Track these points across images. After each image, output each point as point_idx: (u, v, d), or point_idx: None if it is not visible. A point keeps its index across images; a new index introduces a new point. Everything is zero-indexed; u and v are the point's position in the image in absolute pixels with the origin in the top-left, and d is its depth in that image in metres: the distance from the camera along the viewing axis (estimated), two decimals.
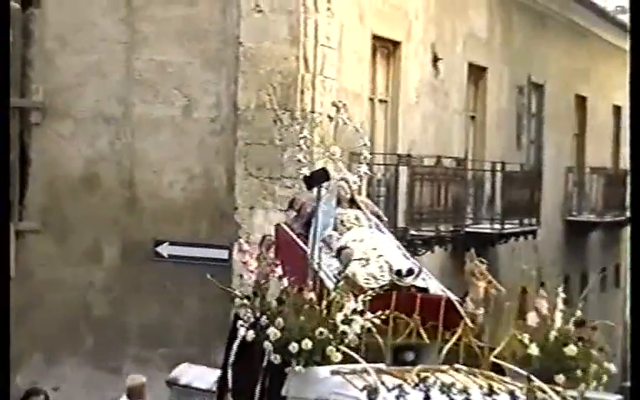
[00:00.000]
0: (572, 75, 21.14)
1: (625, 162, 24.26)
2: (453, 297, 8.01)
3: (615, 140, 24.38)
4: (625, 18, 24.20)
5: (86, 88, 12.71)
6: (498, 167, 16.65)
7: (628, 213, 22.85)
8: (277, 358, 7.26)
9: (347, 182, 8.94)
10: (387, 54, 14.45)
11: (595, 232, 22.25)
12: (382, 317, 7.47)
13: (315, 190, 8.02)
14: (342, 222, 8.61)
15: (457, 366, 7.48)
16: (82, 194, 12.77)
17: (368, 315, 7.38)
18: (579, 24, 21.19)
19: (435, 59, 15.42)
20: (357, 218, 8.67)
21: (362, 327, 7.33)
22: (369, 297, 7.47)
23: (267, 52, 12.23)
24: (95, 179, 12.78)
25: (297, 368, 7.20)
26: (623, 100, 24.40)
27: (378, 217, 8.94)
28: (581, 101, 22.08)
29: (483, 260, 8.14)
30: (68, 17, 12.71)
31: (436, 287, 8.14)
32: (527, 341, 7.50)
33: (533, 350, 7.46)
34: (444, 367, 7.42)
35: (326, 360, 7.20)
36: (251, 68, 12.29)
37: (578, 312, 7.63)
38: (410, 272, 7.98)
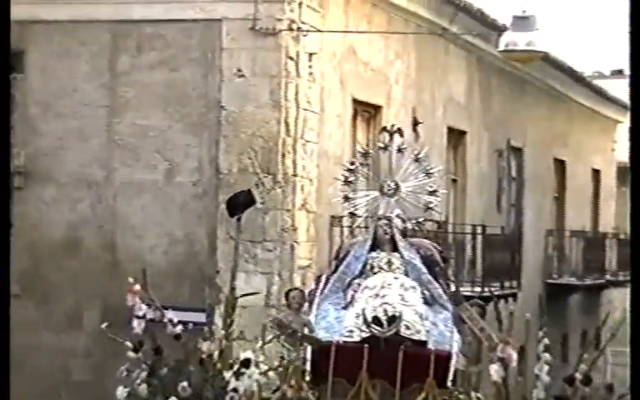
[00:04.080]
0: (550, 139, 21.33)
1: (604, 226, 24.45)
2: (455, 353, 7.40)
3: (594, 203, 24.55)
4: (603, 83, 24.53)
5: (68, 152, 12.76)
6: (479, 230, 16.72)
7: (608, 276, 22.99)
8: None
9: (389, 221, 8.28)
10: (367, 118, 14.56)
11: (575, 295, 22.32)
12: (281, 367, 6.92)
13: (237, 219, 7.74)
14: (371, 267, 8.17)
15: None
16: (63, 258, 12.76)
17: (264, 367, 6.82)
18: (557, 89, 21.42)
19: (415, 123, 15.55)
20: (389, 262, 8.20)
21: (258, 381, 6.81)
22: (268, 344, 6.99)
23: (249, 115, 12.32)
24: (76, 243, 12.78)
25: None
26: (601, 164, 24.65)
27: (431, 261, 8.31)
28: (560, 164, 22.25)
29: (479, 303, 7.80)
30: (51, 83, 12.78)
31: (444, 340, 7.52)
32: None
33: None
34: None
35: None
36: (232, 132, 12.37)
37: (582, 367, 6.72)
38: (392, 320, 7.47)
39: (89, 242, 12.73)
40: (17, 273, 12.77)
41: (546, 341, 6.87)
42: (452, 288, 8.36)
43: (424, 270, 8.13)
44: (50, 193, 12.79)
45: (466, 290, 16.44)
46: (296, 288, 8.24)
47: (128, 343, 7.14)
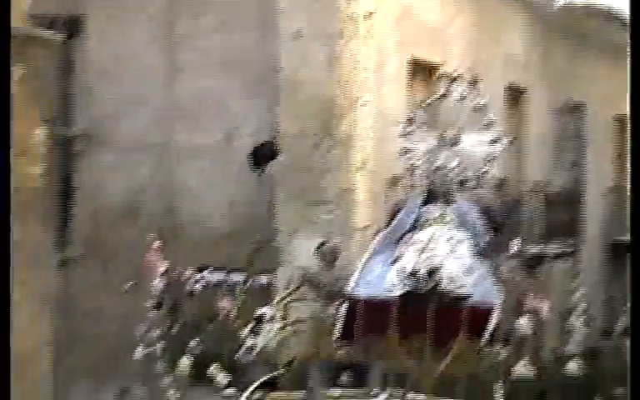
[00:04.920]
0: (612, 95, 21.03)
1: None
2: (496, 308, 7.00)
3: None
4: None
5: (127, 118, 12.82)
6: (539, 188, 16.59)
7: None
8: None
9: (445, 172, 7.97)
10: (425, 77, 14.45)
11: None
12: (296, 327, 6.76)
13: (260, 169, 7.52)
14: (424, 220, 7.88)
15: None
16: (123, 223, 12.85)
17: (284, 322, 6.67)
18: (619, 43, 21.08)
19: (474, 81, 15.38)
20: (441, 215, 7.91)
21: (275, 338, 6.63)
22: (287, 301, 6.80)
23: (307, 77, 12.28)
24: (136, 208, 12.86)
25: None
26: None
27: (489, 213, 7.97)
28: (621, 121, 21.95)
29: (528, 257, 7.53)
30: (110, 47, 12.83)
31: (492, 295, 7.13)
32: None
33: (521, 369, 6.45)
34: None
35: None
36: (290, 94, 12.34)
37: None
38: (431, 273, 7.20)
39: (149, 207, 12.81)
40: (80, 239, 12.92)
41: (582, 290, 6.80)
42: (511, 243, 8.08)
43: (479, 223, 7.86)
44: (109, 158, 12.87)
45: (525, 248, 16.36)
46: (327, 242, 8.01)
47: (148, 303, 7.06)
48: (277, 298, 6.83)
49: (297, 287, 7.34)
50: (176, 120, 12.70)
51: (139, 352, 6.83)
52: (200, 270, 12.53)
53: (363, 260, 7.66)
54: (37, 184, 8.12)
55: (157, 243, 7.20)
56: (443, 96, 8.28)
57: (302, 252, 11.96)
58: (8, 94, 4.17)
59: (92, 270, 12.84)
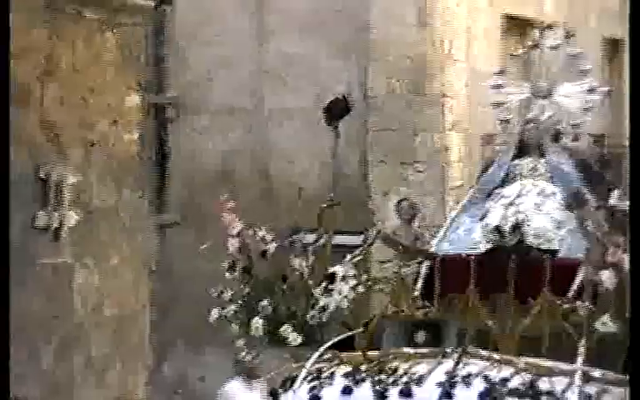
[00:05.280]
0: None
1: None
2: (584, 263, 6.60)
3: None
4: None
5: (217, 82, 12.88)
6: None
7: None
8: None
9: (538, 124, 7.70)
10: (518, 33, 14.22)
11: None
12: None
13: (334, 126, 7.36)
14: (514, 174, 7.62)
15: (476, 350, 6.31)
16: (217, 187, 12.93)
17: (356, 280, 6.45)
18: None
19: (568, 35, 15.10)
20: (533, 169, 7.63)
21: (347, 297, 6.43)
22: (358, 259, 6.62)
23: (397, 36, 12.18)
24: (229, 171, 12.94)
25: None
26: None
27: (585, 166, 7.70)
28: None
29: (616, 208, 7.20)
30: (199, 12, 12.89)
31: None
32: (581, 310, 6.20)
33: (602, 323, 6.10)
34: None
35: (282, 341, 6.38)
36: (380, 54, 12.27)
37: None
38: (515, 228, 6.90)
39: (242, 170, 12.88)
40: (175, 203, 13.06)
41: None
42: (611, 194, 7.76)
43: (574, 176, 7.58)
44: (202, 123, 12.96)
45: (622, 204, 16.03)
46: (405, 199, 7.86)
47: (224, 264, 6.93)
48: (349, 257, 6.69)
49: (369, 245, 7.24)
50: (266, 83, 12.72)
51: (214, 313, 6.71)
52: (294, 232, 12.62)
53: (451, 217, 7.54)
54: (131, 151, 8.22)
55: (230, 203, 6.93)
56: (536, 45, 8.07)
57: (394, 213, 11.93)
58: (8, 95, 4.22)
59: (187, 234, 12.97)
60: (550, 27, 8.21)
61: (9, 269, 4.30)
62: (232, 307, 6.55)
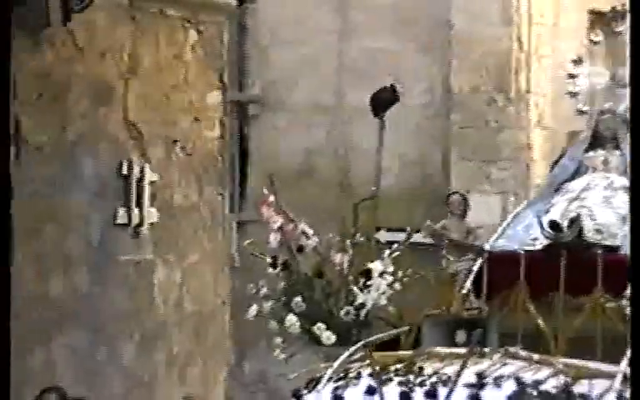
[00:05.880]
0: None
1: None
2: None
3: None
4: None
5: (300, 79, 12.89)
6: None
7: None
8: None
9: (614, 114, 7.37)
10: (610, 33, 13.99)
11: None
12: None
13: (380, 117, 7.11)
14: (586, 167, 7.32)
15: (514, 350, 6.06)
16: (299, 184, 12.96)
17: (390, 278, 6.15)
18: None
19: None
20: (605, 161, 7.36)
21: (384, 294, 6.20)
22: (397, 253, 6.30)
23: (480, 33, 12.07)
24: (312, 169, 12.95)
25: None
26: None
27: None
28: None
29: None
30: (282, 10, 12.92)
31: None
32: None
33: None
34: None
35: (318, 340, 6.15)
36: (463, 51, 12.17)
37: None
38: (573, 222, 6.51)
39: (324, 168, 12.87)
40: (256, 201, 13.08)
41: None
42: None
43: None
44: (284, 121, 12.98)
45: None
46: (456, 192, 7.59)
47: (268, 259, 6.81)
48: (387, 252, 6.49)
49: (407, 240, 7.07)
50: (349, 80, 12.69)
51: (252, 310, 6.54)
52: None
53: (515, 212, 7.30)
54: (212, 148, 8.25)
55: (271, 198, 6.77)
56: (615, 32, 7.81)
57: (477, 210, 11.82)
58: (8, 94, 4.25)
59: (267, 231, 12.99)
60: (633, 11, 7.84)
61: (9, 269, 4.29)
62: (270, 303, 6.39)
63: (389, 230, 12.73)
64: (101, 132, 7.25)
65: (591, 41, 8.03)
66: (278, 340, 6.39)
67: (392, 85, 6.91)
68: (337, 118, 12.79)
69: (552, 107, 12.39)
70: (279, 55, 12.94)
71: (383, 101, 6.82)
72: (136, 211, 7.35)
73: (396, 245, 6.60)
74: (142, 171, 7.39)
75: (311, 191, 12.84)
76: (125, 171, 7.35)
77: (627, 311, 5.91)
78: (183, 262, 7.77)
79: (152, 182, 7.49)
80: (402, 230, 12.37)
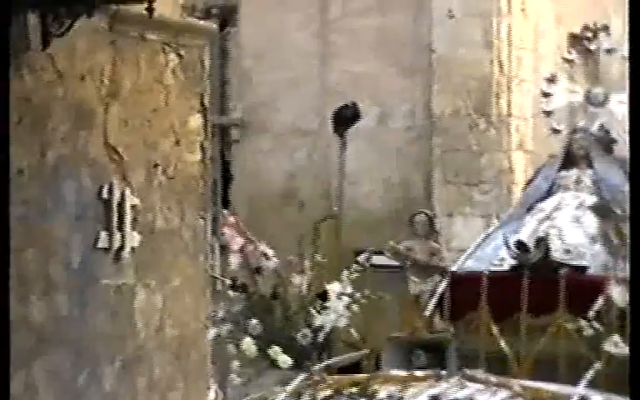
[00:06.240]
0: None
1: None
2: (611, 280, 6.04)
3: None
4: None
5: (282, 103, 12.92)
6: None
7: None
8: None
9: (587, 134, 7.28)
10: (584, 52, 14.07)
11: None
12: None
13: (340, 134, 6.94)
14: (558, 186, 7.22)
15: (471, 373, 5.99)
16: (281, 207, 12.97)
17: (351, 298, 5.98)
18: None
19: (605, 29, 14.89)
20: (577, 181, 7.28)
21: (342, 316, 5.99)
22: (355, 275, 6.14)
23: (461, 57, 12.13)
24: (294, 192, 12.96)
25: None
26: None
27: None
28: None
29: None
30: (263, 34, 12.96)
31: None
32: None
33: (614, 344, 5.62)
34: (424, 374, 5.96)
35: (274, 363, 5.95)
36: (445, 74, 12.22)
37: None
38: (539, 242, 6.43)
39: (306, 191, 12.89)
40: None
41: None
42: None
43: (623, 188, 6.82)
44: (266, 144, 13.01)
45: None
46: (421, 212, 7.49)
47: (227, 281, 6.71)
48: (345, 273, 6.29)
49: (367, 259, 6.87)
50: (330, 103, 12.72)
51: (211, 333, 6.37)
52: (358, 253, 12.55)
53: (486, 233, 7.24)
54: (194, 172, 8.23)
55: (232, 219, 6.61)
56: (589, 49, 7.74)
57: (459, 234, 11.84)
58: (8, 93, 4.26)
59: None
60: (606, 28, 7.81)
61: (9, 269, 4.27)
62: (228, 326, 6.21)
63: (377, 253, 12.78)
64: (81, 155, 7.23)
65: (564, 59, 7.93)
66: (236, 364, 6.18)
67: (353, 102, 6.76)
68: (319, 141, 12.81)
69: (534, 131, 12.45)
70: (261, 78, 12.97)
71: (345, 118, 6.68)
72: (117, 235, 7.33)
73: (355, 266, 6.43)
74: (122, 194, 7.37)
75: (292, 213, 12.86)
76: (106, 194, 7.32)
77: (588, 332, 5.96)
78: (165, 287, 7.74)
79: (133, 206, 7.47)
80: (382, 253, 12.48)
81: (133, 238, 7.63)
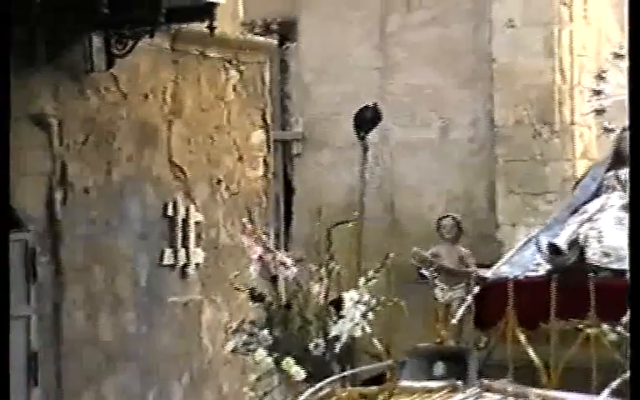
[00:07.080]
0: None
1: None
2: None
3: None
4: None
5: (343, 116, 12.90)
6: None
7: None
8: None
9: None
10: None
11: None
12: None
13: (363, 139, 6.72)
14: (607, 187, 6.95)
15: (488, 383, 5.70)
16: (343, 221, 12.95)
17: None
18: None
19: None
20: (624, 180, 6.90)
21: (358, 325, 5.78)
22: (372, 283, 5.95)
23: (523, 66, 12.04)
24: (355, 205, 12.93)
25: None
26: None
27: None
28: None
29: None
30: (323, 48, 12.98)
31: None
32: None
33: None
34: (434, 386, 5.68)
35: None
36: (506, 84, 12.14)
37: None
38: (572, 245, 6.18)
39: (368, 204, 12.82)
40: (300, 238, 13.10)
41: None
42: None
43: None
44: (327, 158, 13.01)
45: None
46: (448, 216, 7.28)
47: (247, 291, 6.31)
48: (362, 280, 6.11)
49: (381, 266, 6.65)
50: (392, 116, 12.70)
51: (230, 344, 6.05)
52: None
53: (528, 237, 6.93)
54: (257, 187, 8.29)
55: (249, 227, 6.48)
56: None
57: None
58: (8, 93, 4.27)
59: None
60: None
61: (9, 269, 4.30)
62: (244, 337, 5.98)
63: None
64: (146, 173, 7.31)
65: (615, 54, 7.69)
66: (252, 377, 5.95)
67: (374, 104, 6.62)
68: (381, 154, 12.79)
69: (597, 138, 12.31)
70: (321, 92, 12.99)
71: (366, 120, 6.54)
72: (182, 251, 7.39)
73: (371, 272, 6.28)
74: (187, 211, 7.44)
75: (355, 228, 12.82)
76: (170, 212, 7.40)
77: (620, 339, 5.74)
78: (230, 302, 7.78)
79: (197, 223, 7.54)
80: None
81: (198, 255, 7.68)
